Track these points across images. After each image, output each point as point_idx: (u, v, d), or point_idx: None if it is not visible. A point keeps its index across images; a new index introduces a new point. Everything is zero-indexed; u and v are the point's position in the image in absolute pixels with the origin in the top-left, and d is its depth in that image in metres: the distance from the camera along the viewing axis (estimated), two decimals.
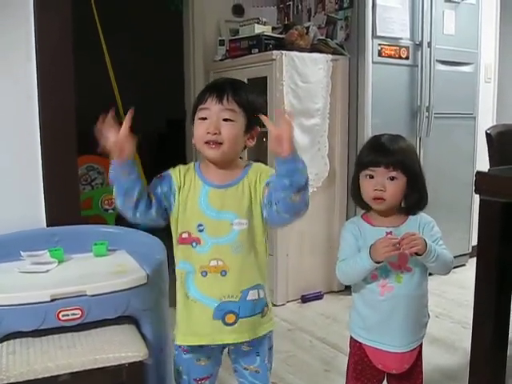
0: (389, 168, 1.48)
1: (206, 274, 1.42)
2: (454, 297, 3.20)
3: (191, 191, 1.45)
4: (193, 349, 1.49)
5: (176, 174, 1.48)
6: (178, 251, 1.46)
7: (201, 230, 1.42)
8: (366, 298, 1.55)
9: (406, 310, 1.53)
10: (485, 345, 2.11)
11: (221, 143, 1.39)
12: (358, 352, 1.60)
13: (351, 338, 1.62)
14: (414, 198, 1.53)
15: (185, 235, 1.44)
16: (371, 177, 1.50)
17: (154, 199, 1.42)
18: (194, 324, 1.45)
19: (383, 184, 1.48)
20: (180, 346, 1.50)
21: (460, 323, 2.86)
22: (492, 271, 2.05)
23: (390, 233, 1.51)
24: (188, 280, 1.44)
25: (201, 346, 1.48)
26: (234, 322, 1.44)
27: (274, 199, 1.37)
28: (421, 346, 1.61)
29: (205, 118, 1.40)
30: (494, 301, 2.07)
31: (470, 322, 2.14)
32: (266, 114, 1.39)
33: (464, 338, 2.53)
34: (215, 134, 1.38)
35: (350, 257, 1.53)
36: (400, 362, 1.56)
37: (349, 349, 1.65)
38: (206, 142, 1.40)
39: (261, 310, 1.49)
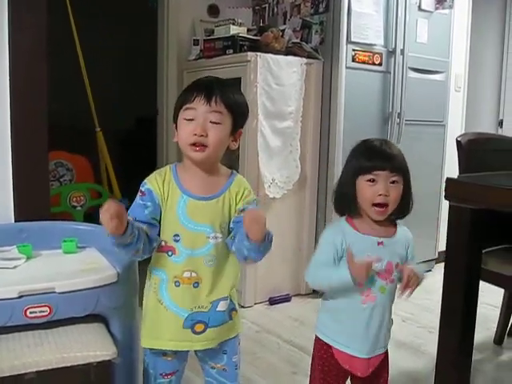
0: (392, 172, 1.47)
1: (179, 284, 1.42)
2: (420, 302, 3.23)
3: (169, 200, 1.42)
4: None
5: (155, 186, 1.43)
6: (155, 257, 1.45)
7: (177, 240, 1.41)
8: (345, 305, 1.54)
9: (381, 319, 1.53)
10: (451, 349, 2.14)
11: (206, 146, 1.37)
12: (325, 354, 1.59)
13: (318, 339, 1.61)
14: (404, 204, 1.52)
15: (162, 243, 1.43)
16: (372, 181, 1.47)
17: (149, 230, 1.39)
18: (162, 329, 1.45)
19: (387, 188, 1.46)
20: None
21: (426, 328, 2.89)
22: (460, 277, 2.08)
23: (382, 243, 1.50)
24: (161, 287, 1.43)
25: None
26: (203, 331, 1.45)
27: (235, 241, 1.41)
28: (387, 350, 1.62)
29: (191, 119, 1.37)
30: (460, 306, 2.10)
31: (436, 326, 2.17)
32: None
33: (430, 343, 2.56)
34: (202, 136, 1.36)
35: (325, 266, 1.51)
36: (366, 367, 1.56)
37: (313, 350, 1.64)
38: (192, 144, 1.37)
39: (229, 316, 1.50)
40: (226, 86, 1.44)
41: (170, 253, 1.42)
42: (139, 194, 1.44)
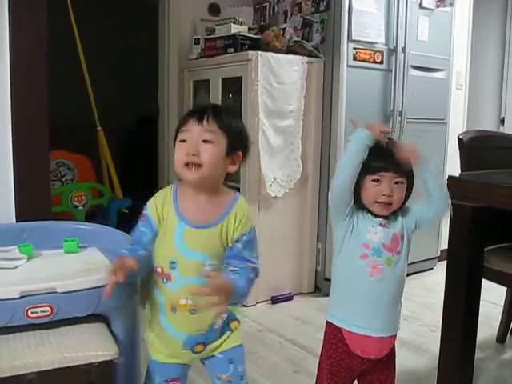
0: (397, 173, 1.49)
1: (176, 310, 1.42)
2: (422, 300, 3.24)
3: (167, 225, 1.42)
4: None
5: (153, 211, 1.43)
6: (153, 279, 1.46)
7: (173, 268, 1.40)
8: (353, 279, 1.54)
9: (393, 294, 1.55)
10: (453, 348, 2.14)
11: (200, 165, 1.35)
12: (334, 339, 1.58)
13: (328, 324, 1.60)
14: (405, 201, 1.56)
15: (158, 269, 1.43)
16: (377, 181, 1.50)
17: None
18: (163, 346, 1.48)
19: (391, 189, 1.49)
20: None
21: (428, 326, 2.89)
22: (462, 275, 2.08)
23: (384, 225, 1.53)
24: (160, 310, 1.45)
25: None
26: (203, 350, 1.48)
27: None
28: (396, 335, 1.63)
29: (184, 141, 1.37)
30: (463, 305, 2.10)
31: (439, 324, 2.17)
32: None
33: (432, 341, 2.56)
34: (194, 154, 1.34)
35: None
36: (380, 348, 1.57)
37: (323, 338, 1.64)
38: (186, 164, 1.36)
39: (229, 328, 1.52)
40: (219, 108, 1.45)
41: (165, 280, 1.42)
42: (141, 217, 1.46)
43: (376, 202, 1.51)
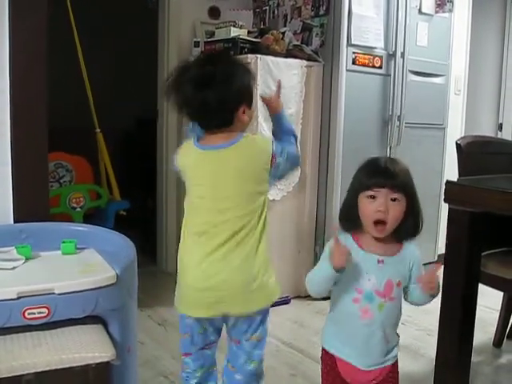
0: (393, 189, 1.46)
1: None
2: None
3: None
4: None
5: None
6: None
7: None
8: (345, 319, 1.55)
9: (382, 336, 1.53)
10: (450, 352, 2.14)
11: None
12: (329, 362, 1.60)
13: (323, 349, 1.62)
14: (410, 223, 1.51)
15: None
16: (372, 197, 1.46)
17: None
18: None
19: (386, 205, 1.45)
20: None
21: (425, 330, 2.89)
22: (459, 279, 2.09)
23: (382, 261, 1.50)
24: None
25: None
26: None
27: None
28: (395, 363, 1.62)
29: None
30: (459, 309, 2.10)
31: (435, 329, 2.18)
32: None
33: (429, 345, 2.57)
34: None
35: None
36: (367, 379, 1.57)
37: (321, 360, 1.65)
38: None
39: None
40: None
41: None
42: None
43: (374, 222, 1.47)
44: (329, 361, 1.59)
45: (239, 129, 1.63)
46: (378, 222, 1.47)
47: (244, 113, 1.61)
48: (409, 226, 1.51)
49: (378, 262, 1.50)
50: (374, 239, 1.51)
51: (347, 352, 1.55)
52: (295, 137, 1.79)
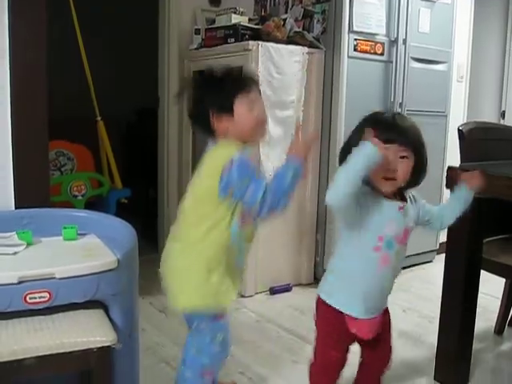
0: (402, 145, 1.46)
1: None
2: (421, 292, 3.24)
3: None
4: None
5: None
6: None
7: None
8: (361, 269, 1.55)
9: (391, 282, 1.59)
10: (451, 339, 2.15)
11: None
12: (329, 316, 1.61)
13: (322, 301, 1.62)
14: (416, 177, 1.53)
15: None
16: None
17: None
18: None
19: (395, 163, 1.45)
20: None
21: (427, 318, 2.89)
22: (461, 266, 2.09)
23: (402, 208, 1.53)
24: None
25: None
26: None
27: None
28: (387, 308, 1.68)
29: None
30: (461, 295, 2.11)
31: (437, 316, 2.18)
32: None
33: (430, 332, 2.56)
34: None
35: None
36: (375, 326, 1.60)
37: (316, 311, 1.66)
38: None
39: None
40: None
41: None
42: None
43: (383, 178, 1.47)
44: (329, 314, 1.60)
45: (222, 137, 1.66)
46: (388, 179, 1.47)
47: (217, 120, 1.65)
48: (415, 179, 1.54)
49: (399, 208, 1.52)
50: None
51: (357, 306, 1.56)
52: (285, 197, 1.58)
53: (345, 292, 1.58)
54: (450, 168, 2.06)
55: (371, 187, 1.52)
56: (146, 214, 4.41)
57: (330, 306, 1.59)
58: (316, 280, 3.45)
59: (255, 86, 1.71)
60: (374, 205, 1.50)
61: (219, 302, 1.69)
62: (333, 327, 1.61)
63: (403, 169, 1.47)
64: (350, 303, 1.57)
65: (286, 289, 3.33)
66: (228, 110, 1.64)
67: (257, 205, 1.52)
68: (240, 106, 1.63)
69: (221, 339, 1.73)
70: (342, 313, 1.58)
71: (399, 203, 1.53)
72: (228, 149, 1.60)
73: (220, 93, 1.65)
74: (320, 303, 1.64)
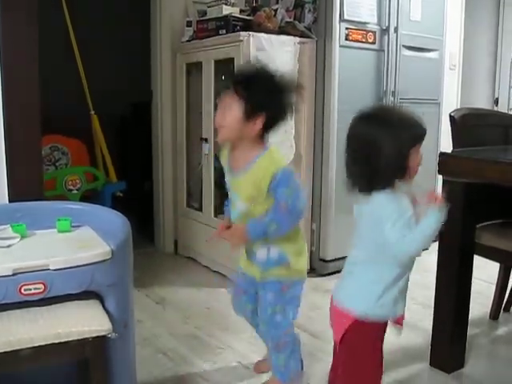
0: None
1: None
2: (416, 279, 3.23)
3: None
4: None
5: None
6: None
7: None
8: (407, 274, 1.64)
9: None
10: (446, 324, 2.16)
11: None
12: (382, 335, 1.66)
13: (366, 322, 1.59)
14: None
15: None
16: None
17: None
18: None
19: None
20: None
21: (422, 305, 2.90)
22: (454, 251, 2.10)
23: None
24: None
25: None
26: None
27: None
28: None
29: None
30: (455, 280, 2.12)
31: (432, 303, 2.19)
32: None
33: (426, 319, 2.57)
34: None
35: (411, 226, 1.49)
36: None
37: (364, 339, 1.63)
38: None
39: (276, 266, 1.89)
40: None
41: None
42: None
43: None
44: (381, 332, 1.64)
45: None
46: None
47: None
48: None
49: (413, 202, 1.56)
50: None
51: (401, 306, 1.68)
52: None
53: (398, 301, 1.64)
54: (442, 154, 2.07)
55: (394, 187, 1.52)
56: (141, 206, 4.41)
57: (376, 320, 1.60)
58: (312, 269, 3.45)
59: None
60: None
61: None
62: (381, 343, 1.63)
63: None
64: (394, 309, 1.66)
65: None
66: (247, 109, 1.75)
67: None
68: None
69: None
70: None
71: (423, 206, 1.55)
72: None
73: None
74: (365, 325, 1.59)
